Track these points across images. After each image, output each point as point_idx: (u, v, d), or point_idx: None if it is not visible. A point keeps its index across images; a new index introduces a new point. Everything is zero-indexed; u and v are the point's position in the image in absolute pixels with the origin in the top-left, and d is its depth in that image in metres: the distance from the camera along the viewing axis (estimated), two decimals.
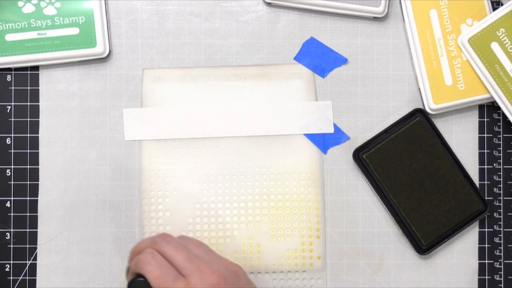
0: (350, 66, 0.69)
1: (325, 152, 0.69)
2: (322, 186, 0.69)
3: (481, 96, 0.67)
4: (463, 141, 0.69)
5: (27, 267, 0.68)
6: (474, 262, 0.69)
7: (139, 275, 0.58)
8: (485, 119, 0.69)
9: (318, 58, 0.69)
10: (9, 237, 0.68)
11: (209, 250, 0.60)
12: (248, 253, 0.68)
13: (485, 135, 0.69)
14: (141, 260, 0.58)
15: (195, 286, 0.56)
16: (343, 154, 0.69)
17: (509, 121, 0.68)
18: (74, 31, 0.67)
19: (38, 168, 0.68)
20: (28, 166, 0.69)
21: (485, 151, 0.69)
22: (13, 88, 0.69)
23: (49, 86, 0.69)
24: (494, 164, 0.69)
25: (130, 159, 0.69)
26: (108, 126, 0.69)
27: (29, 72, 0.69)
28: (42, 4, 0.67)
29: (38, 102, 0.69)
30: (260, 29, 0.69)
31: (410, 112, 0.68)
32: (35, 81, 0.69)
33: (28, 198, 0.69)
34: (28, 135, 0.69)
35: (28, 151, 0.69)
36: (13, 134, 0.69)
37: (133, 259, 0.60)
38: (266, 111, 0.69)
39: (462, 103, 0.68)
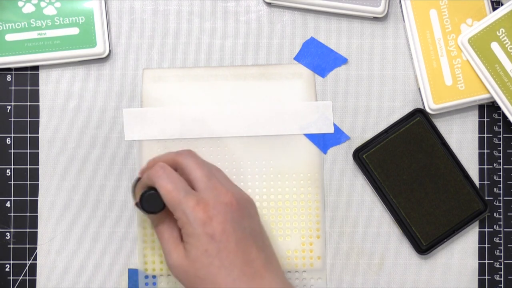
0: (350, 66, 0.69)
1: (325, 152, 0.69)
2: (322, 186, 0.69)
3: (481, 96, 0.67)
4: (463, 141, 0.69)
5: (27, 267, 0.68)
6: (474, 262, 0.69)
7: (150, 188, 0.58)
8: (485, 119, 0.69)
9: (318, 58, 0.69)
10: (9, 237, 0.68)
11: (227, 177, 0.61)
12: None
13: (485, 135, 0.69)
14: (153, 173, 0.58)
15: (207, 201, 0.56)
16: (343, 154, 0.69)
17: (509, 121, 0.68)
18: (74, 31, 0.67)
19: (38, 168, 0.68)
20: (28, 166, 0.69)
21: (485, 151, 0.69)
22: (13, 88, 0.69)
23: (49, 86, 0.69)
24: (494, 164, 0.69)
25: (130, 159, 0.69)
26: (108, 126, 0.69)
27: (29, 72, 0.69)
28: (42, 4, 0.67)
29: (38, 102, 0.69)
30: (260, 29, 0.69)
31: (410, 112, 0.68)
32: (35, 81, 0.69)
33: (28, 198, 0.69)
34: (28, 135, 0.69)
35: (28, 151, 0.69)
36: (13, 134, 0.69)
37: (145, 171, 0.60)
38: (266, 111, 0.69)
39: (462, 103, 0.68)
